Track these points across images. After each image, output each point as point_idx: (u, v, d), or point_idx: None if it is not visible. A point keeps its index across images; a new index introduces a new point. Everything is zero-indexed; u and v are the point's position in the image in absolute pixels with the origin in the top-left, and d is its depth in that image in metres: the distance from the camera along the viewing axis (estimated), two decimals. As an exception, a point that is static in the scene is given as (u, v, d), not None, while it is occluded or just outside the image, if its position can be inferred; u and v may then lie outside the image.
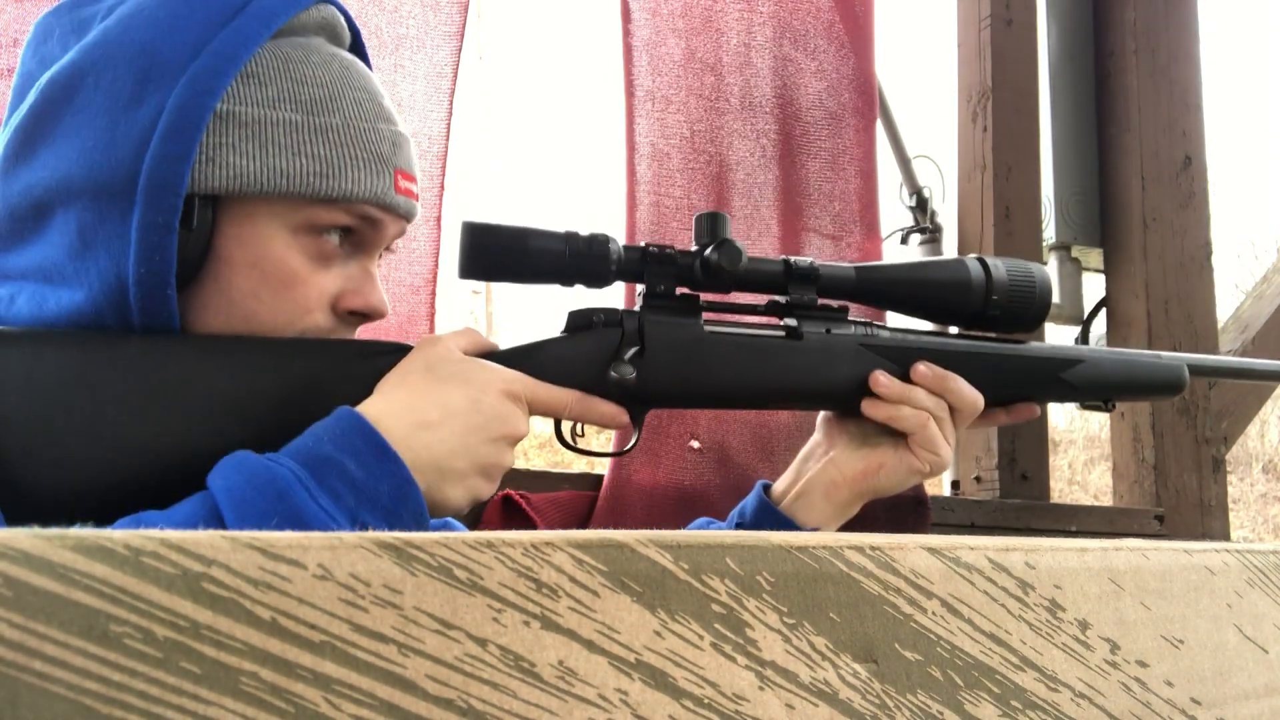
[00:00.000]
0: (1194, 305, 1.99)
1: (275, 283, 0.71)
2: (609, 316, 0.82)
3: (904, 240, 1.98)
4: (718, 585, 0.37)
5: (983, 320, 0.93)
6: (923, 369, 0.90)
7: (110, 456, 0.64)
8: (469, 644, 0.32)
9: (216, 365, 0.68)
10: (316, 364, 0.71)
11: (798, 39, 1.56)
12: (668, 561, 0.36)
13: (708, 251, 0.84)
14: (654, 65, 1.45)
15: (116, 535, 0.28)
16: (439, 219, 1.27)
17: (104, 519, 0.60)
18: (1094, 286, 2.06)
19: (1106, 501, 2.24)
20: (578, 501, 1.34)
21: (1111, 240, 2.02)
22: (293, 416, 0.67)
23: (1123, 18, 2.04)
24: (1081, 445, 5.81)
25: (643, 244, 0.85)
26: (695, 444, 1.41)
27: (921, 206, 1.94)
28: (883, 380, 0.89)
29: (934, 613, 0.43)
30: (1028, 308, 0.93)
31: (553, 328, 0.83)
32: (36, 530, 0.27)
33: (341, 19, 0.79)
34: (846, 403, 0.91)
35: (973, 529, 1.65)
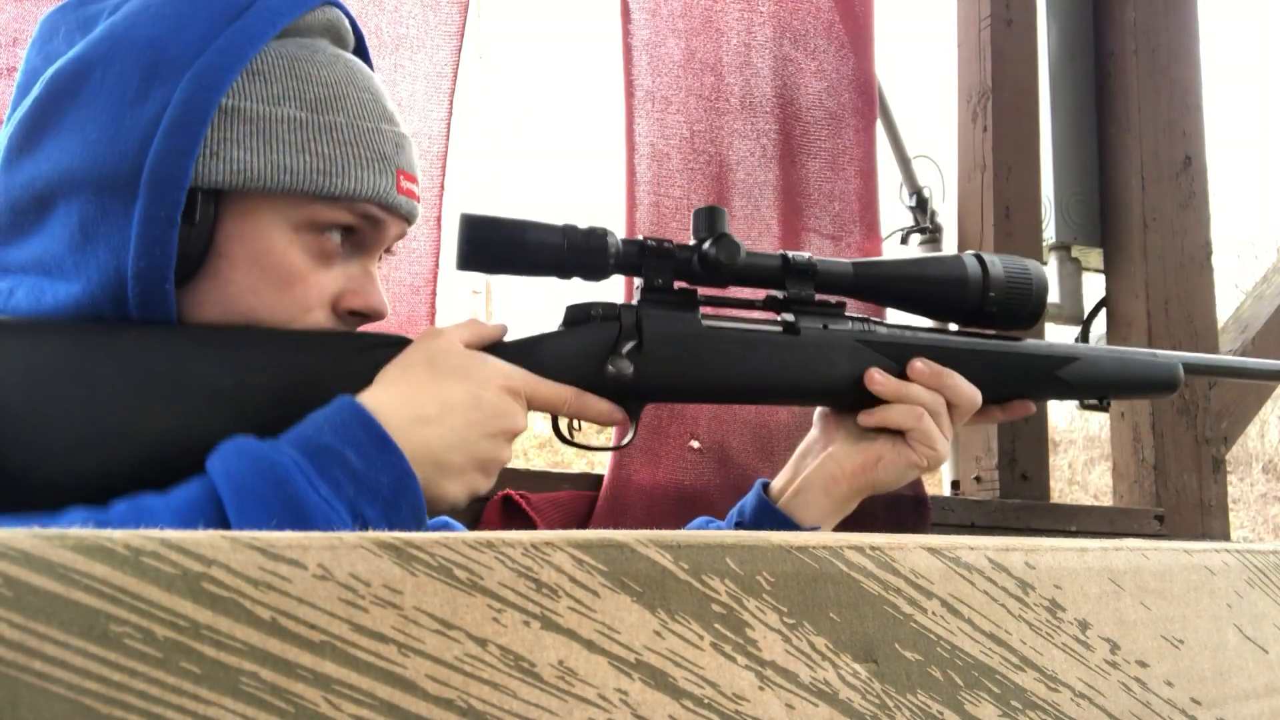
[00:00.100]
0: (1194, 305, 1.99)
1: (275, 280, 0.71)
2: (607, 311, 0.82)
3: (904, 240, 1.98)
4: (718, 585, 0.37)
5: (980, 317, 0.93)
6: (919, 365, 0.90)
7: (106, 446, 0.64)
8: (469, 644, 0.32)
9: (214, 356, 0.68)
10: (315, 357, 0.71)
11: (798, 39, 1.56)
12: (668, 561, 0.36)
13: (706, 246, 0.84)
14: (654, 65, 1.45)
15: (116, 535, 0.28)
16: (439, 219, 1.27)
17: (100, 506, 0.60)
18: (1094, 286, 2.06)
19: (1106, 501, 2.24)
20: (578, 501, 1.34)
21: (1111, 240, 2.02)
22: (291, 409, 0.67)
23: (1123, 18, 2.04)
24: (1081, 445, 5.81)
25: (641, 237, 0.85)
26: (695, 444, 1.41)
27: (921, 206, 1.94)
28: (878, 378, 0.89)
29: (934, 613, 0.43)
30: (1025, 304, 0.93)
31: (553, 328, 0.83)
32: (36, 530, 0.27)
33: (346, 22, 0.80)
34: (844, 398, 0.91)
35: (973, 529, 1.65)
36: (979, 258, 0.93)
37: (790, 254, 0.89)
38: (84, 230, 0.67)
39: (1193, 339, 1.95)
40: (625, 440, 0.86)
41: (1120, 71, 2.04)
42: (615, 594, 0.35)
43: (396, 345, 0.75)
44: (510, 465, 1.38)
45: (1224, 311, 2.16)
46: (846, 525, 0.94)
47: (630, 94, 1.43)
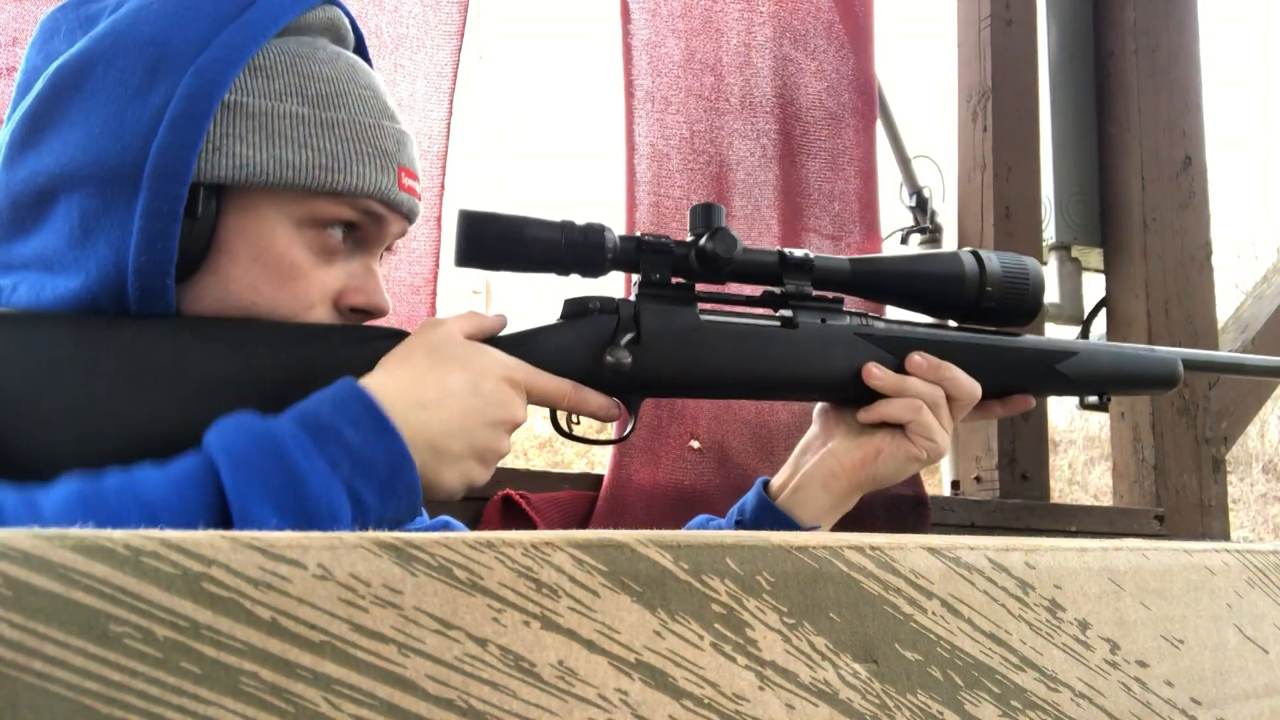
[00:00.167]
0: (1194, 305, 1.99)
1: (277, 276, 0.71)
2: (605, 304, 0.82)
3: (904, 240, 1.98)
4: (718, 585, 0.37)
5: (977, 313, 0.93)
6: (918, 359, 0.90)
7: (104, 436, 0.64)
8: (469, 644, 0.32)
9: (211, 348, 0.68)
10: (313, 349, 0.71)
11: (798, 39, 1.56)
12: (668, 561, 0.36)
13: (703, 240, 0.85)
14: (654, 65, 1.45)
15: (116, 535, 0.28)
16: (439, 219, 1.27)
17: None
18: (1094, 286, 2.06)
19: (1106, 501, 2.24)
20: (578, 501, 1.34)
21: (1111, 240, 2.02)
22: (289, 400, 0.67)
23: (1123, 18, 2.04)
24: (1081, 445, 5.81)
25: (638, 233, 0.85)
26: (695, 444, 1.41)
27: (921, 206, 1.94)
28: (876, 373, 0.89)
29: (934, 613, 0.43)
30: (1022, 300, 0.93)
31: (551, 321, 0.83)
32: (36, 530, 0.27)
33: (346, 21, 0.80)
34: (843, 393, 0.91)
35: (973, 529, 1.65)
36: (975, 254, 0.93)
37: (787, 250, 0.89)
38: (85, 225, 0.68)
39: (1193, 339, 1.95)
40: (625, 434, 0.86)
41: (1120, 71, 2.04)
42: (615, 594, 0.35)
43: (395, 338, 0.75)
44: (510, 465, 1.39)
45: (1224, 311, 2.16)
46: (846, 525, 0.94)
47: (630, 94, 1.43)
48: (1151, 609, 0.51)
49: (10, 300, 0.70)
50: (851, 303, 0.92)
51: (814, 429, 0.97)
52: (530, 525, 1.26)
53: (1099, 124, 2.06)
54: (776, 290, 0.90)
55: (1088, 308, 2.04)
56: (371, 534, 0.32)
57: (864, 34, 1.60)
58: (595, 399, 0.80)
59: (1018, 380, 0.96)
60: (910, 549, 0.43)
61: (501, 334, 0.79)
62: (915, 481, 1.51)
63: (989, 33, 1.88)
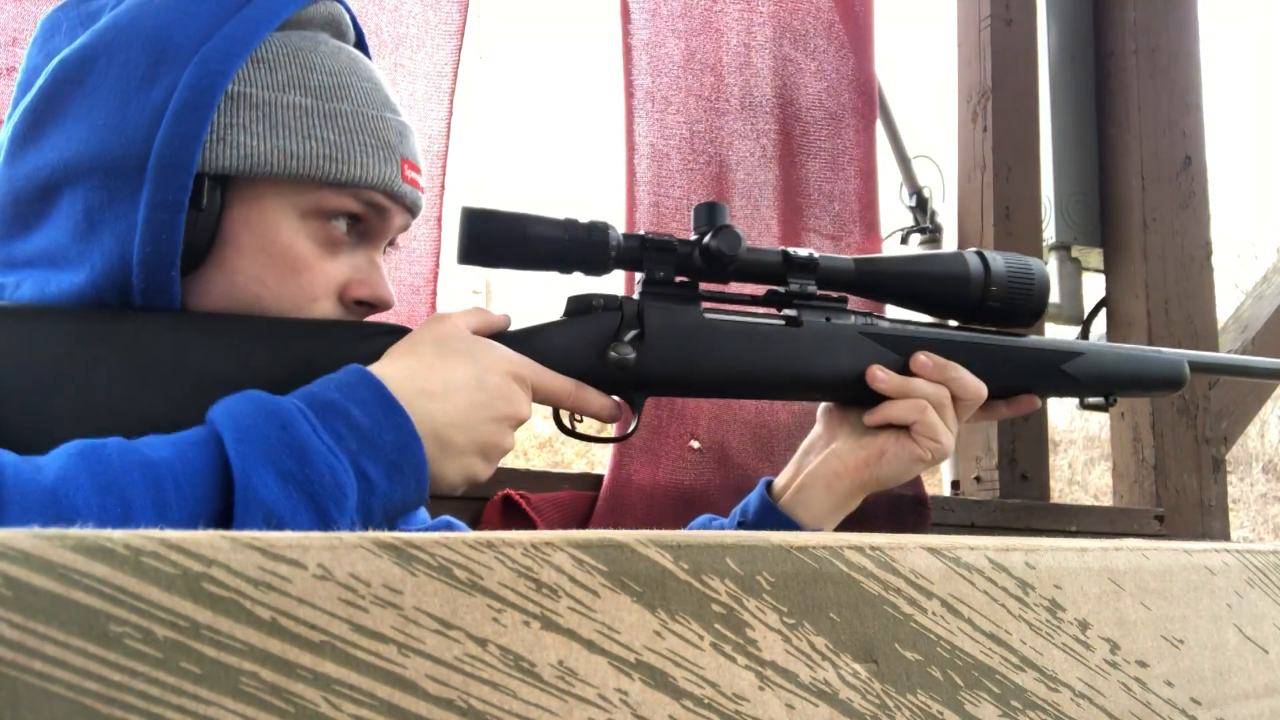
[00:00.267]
0: (1194, 305, 1.99)
1: (282, 268, 0.71)
2: (609, 301, 0.82)
3: (904, 240, 1.98)
4: (718, 585, 0.37)
5: (981, 313, 0.93)
6: (922, 359, 0.90)
7: (104, 431, 0.64)
8: (469, 644, 0.32)
9: (213, 343, 0.68)
10: (315, 345, 0.71)
11: (798, 39, 1.56)
12: (668, 561, 0.36)
13: (707, 239, 0.84)
14: (654, 65, 1.45)
15: (116, 535, 0.28)
16: (439, 219, 1.27)
17: None
18: (1094, 286, 2.06)
19: (1106, 501, 2.24)
20: (578, 501, 1.34)
21: (1111, 240, 2.02)
22: None
23: (1123, 18, 2.04)
24: (1081, 445, 5.80)
25: (642, 232, 0.85)
26: (695, 444, 1.41)
27: (921, 206, 1.94)
28: (880, 375, 0.88)
29: (934, 613, 0.43)
30: (1026, 301, 0.93)
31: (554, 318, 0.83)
32: (36, 530, 0.27)
33: (346, 17, 0.80)
34: (847, 393, 0.90)
35: (973, 529, 1.65)
36: (980, 254, 0.93)
37: (791, 249, 0.89)
38: (89, 218, 0.68)
39: (1193, 339, 1.95)
40: (627, 432, 0.85)
41: (1120, 71, 2.04)
42: (615, 594, 0.35)
43: (396, 334, 0.75)
44: (510, 465, 1.38)
45: (1224, 311, 2.16)
46: (847, 525, 0.93)
47: (630, 94, 1.43)
48: (1151, 609, 0.51)
49: (14, 297, 0.70)
50: (854, 302, 0.92)
51: (818, 429, 0.97)
52: (530, 525, 1.26)
53: (1099, 124, 2.06)
54: (780, 289, 0.90)
55: (1087, 308, 2.04)
56: (371, 534, 0.32)
57: (864, 34, 1.60)
58: (597, 399, 0.80)
59: (1023, 380, 0.96)
60: (910, 549, 0.43)
61: (506, 331, 0.79)
62: (915, 481, 1.51)
63: (989, 33, 1.88)
